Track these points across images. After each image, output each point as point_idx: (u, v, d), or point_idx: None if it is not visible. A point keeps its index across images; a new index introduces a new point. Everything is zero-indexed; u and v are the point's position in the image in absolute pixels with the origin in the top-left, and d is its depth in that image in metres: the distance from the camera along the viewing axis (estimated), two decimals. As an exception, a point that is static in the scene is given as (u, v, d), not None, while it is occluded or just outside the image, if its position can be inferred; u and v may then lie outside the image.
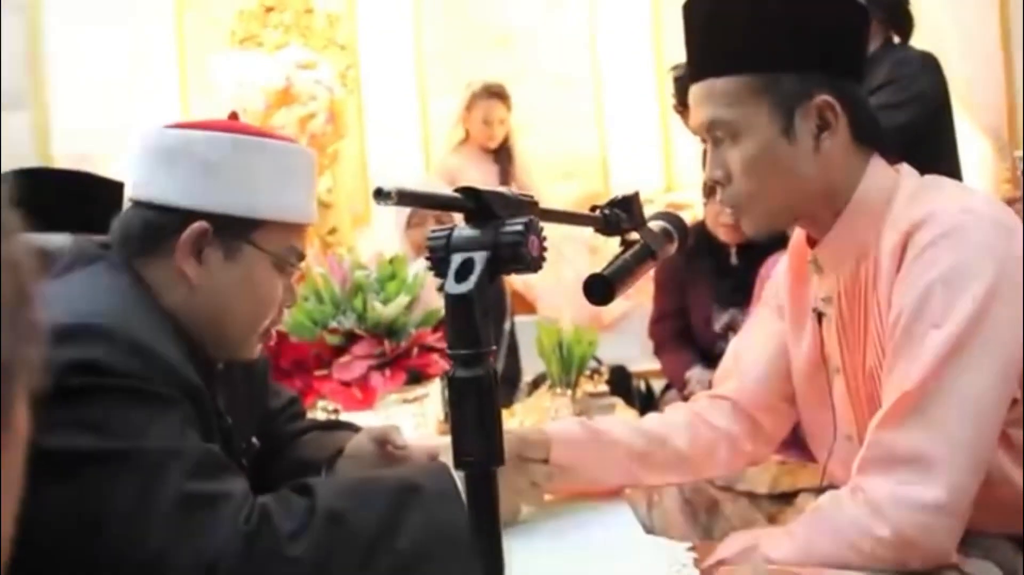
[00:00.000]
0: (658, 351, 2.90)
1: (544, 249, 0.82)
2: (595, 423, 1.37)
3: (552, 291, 3.80)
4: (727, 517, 1.56)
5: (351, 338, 1.90)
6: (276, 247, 1.19)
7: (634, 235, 1.16)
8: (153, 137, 1.19)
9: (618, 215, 1.09)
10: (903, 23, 2.59)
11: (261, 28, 4.34)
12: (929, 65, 2.49)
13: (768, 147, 1.21)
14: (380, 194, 0.69)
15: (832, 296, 1.28)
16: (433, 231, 0.82)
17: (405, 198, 0.71)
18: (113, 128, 3.84)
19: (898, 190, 1.22)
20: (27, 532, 0.95)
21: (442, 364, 1.90)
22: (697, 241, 2.69)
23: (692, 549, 1.16)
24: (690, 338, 2.77)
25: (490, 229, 0.79)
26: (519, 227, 0.79)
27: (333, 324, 1.90)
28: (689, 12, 1.27)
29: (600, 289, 1.02)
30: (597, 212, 1.08)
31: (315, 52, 4.32)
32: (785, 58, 1.21)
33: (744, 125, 1.22)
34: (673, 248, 1.21)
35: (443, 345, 1.92)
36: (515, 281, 3.84)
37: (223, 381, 1.29)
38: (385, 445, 1.32)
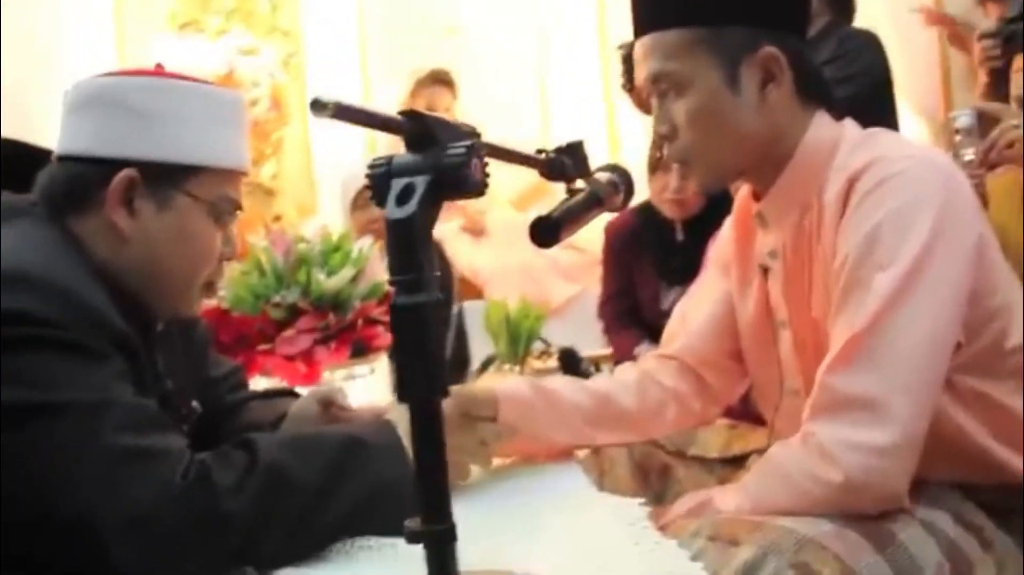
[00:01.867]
0: (607, 331, 2.89)
1: (487, 174, 0.80)
2: (543, 382, 1.35)
3: (500, 277, 3.78)
4: (679, 481, 1.55)
5: (295, 312, 1.85)
6: (210, 195, 1.15)
7: (580, 185, 1.15)
8: (77, 89, 1.15)
9: (562, 160, 1.08)
10: (845, 4, 2.65)
11: (202, 13, 4.26)
12: (872, 43, 2.56)
13: (713, 99, 1.21)
14: (316, 104, 0.66)
15: (777, 249, 1.28)
16: (373, 160, 0.80)
17: (343, 111, 0.68)
18: (48, 110, 3.73)
19: (842, 141, 1.22)
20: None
21: (387, 337, 1.86)
22: (642, 219, 2.69)
23: (645, 504, 1.14)
24: (638, 317, 2.77)
25: (432, 154, 0.77)
26: (461, 149, 0.77)
27: (276, 298, 1.86)
28: None
29: (546, 230, 1.00)
30: (542, 156, 1.06)
31: (258, 38, 4.25)
32: (731, 11, 1.21)
33: (689, 77, 1.21)
34: (619, 200, 1.20)
35: (389, 318, 1.88)
36: (463, 268, 3.81)
37: (162, 343, 1.25)
38: (330, 407, 1.29)
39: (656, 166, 2.55)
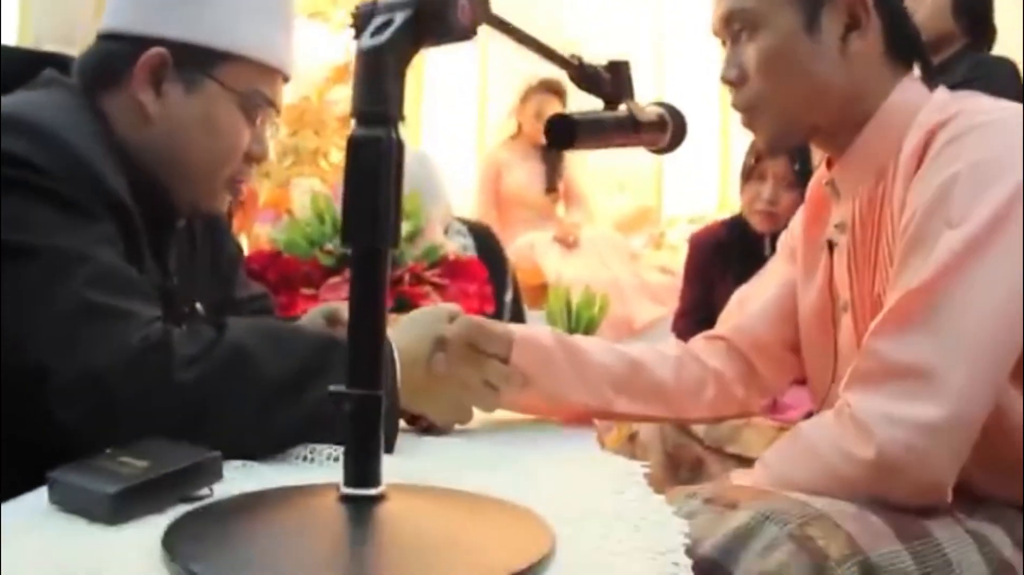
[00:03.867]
0: (679, 346, 2.75)
1: (476, 23, 0.72)
2: (571, 338, 1.24)
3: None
4: (711, 476, 1.42)
5: (344, 261, 1.81)
6: (242, 86, 1.12)
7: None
8: None
9: (598, 72, 0.98)
10: (985, 31, 2.49)
11: (330, 6, 4.36)
12: (1009, 69, 2.39)
13: (788, 42, 1.09)
14: None
15: (846, 221, 1.15)
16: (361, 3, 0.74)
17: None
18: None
19: (928, 102, 1.09)
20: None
21: (434, 298, 1.79)
22: (730, 232, 2.56)
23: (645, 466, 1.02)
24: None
25: (420, -8, 0.70)
26: (449, -13, 0.69)
27: (329, 245, 1.83)
28: None
29: (561, 129, 0.91)
30: (575, 60, 0.97)
31: (380, 35, 4.32)
32: None
33: (764, 16, 1.10)
34: (664, 140, 1.09)
35: (440, 281, 1.82)
36: (549, 276, 3.73)
37: (180, 243, 1.22)
38: (335, 324, 1.23)
39: (750, 174, 2.42)
